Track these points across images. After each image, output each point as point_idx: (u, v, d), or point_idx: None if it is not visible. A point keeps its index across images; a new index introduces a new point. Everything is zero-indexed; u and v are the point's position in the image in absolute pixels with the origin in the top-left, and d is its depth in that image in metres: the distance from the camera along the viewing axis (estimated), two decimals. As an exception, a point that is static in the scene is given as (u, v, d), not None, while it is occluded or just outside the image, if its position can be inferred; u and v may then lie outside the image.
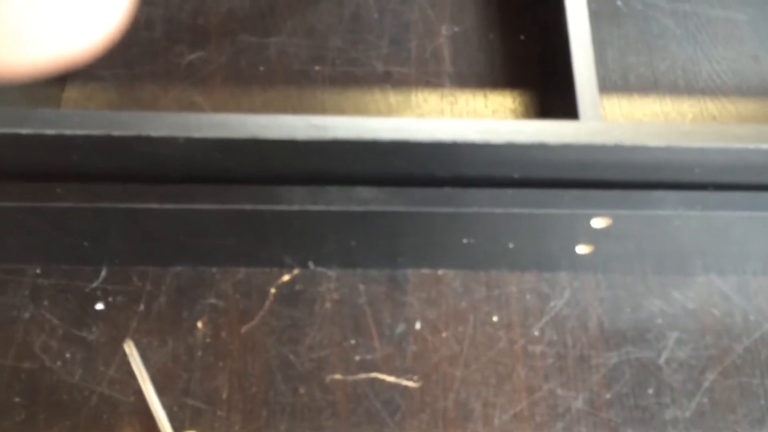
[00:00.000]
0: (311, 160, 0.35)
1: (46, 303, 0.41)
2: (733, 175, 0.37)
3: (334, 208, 0.36)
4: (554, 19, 0.45)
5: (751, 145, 0.34)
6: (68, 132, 0.33)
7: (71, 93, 0.49)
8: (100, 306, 0.41)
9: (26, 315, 0.41)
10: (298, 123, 0.33)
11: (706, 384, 0.41)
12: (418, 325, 0.42)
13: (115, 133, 0.33)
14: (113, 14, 0.22)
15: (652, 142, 0.34)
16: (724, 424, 0.39)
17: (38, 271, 0.42)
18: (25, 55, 0.20)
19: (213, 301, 0.42)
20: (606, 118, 0.49)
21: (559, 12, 0.44)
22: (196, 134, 0.33)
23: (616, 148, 0.34)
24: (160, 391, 0.39)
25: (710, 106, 0.50)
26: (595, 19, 0.52)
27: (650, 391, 0.40)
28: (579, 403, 0.40)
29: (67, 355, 0.40)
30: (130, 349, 0.39)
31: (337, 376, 0.40)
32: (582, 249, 0.41)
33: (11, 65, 0.20)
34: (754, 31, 0.53)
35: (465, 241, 0.40)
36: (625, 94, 0.50)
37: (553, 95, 0.47)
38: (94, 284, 0.42)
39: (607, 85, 0.50)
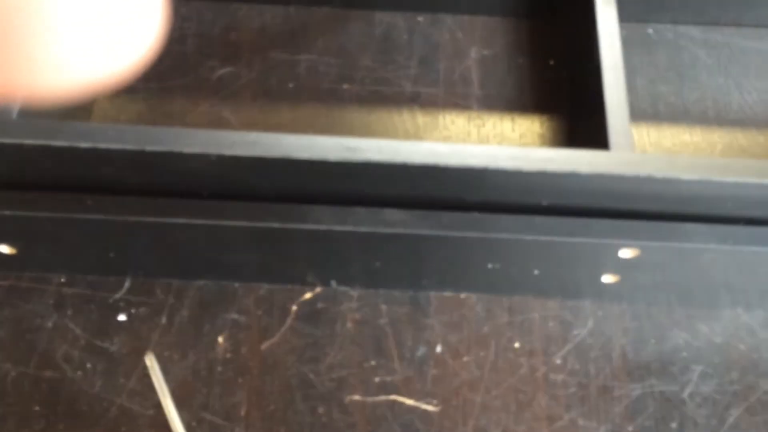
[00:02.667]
0: (341, 181, 0.35)
1: (69, 312, 0.41)
2: (767, 210, 0.36)
3: (361, 229, 0.36)
4: (586, 45, 0.45)
5: (785, 182, 0.34)
6: (101, 146, 0.33)
7: (102, 104, 0.49)
8: (122, 317, 0.42)
9: (50, 324, 0.41)
10: (331, 144, 0.34)
11: (731, 420, 0.40)
12: (439, 349, 0.42)
13: (148, 148, 0.33)
14: (147, 35, 0.22)
15: (686, 175, 0.34)
16: (750, 463, 0.39)
17: (63, 279, 0.42)
18: (57, 80, 0.20)
19: (235, 316, 0.42)
20: (634, 147, 0.48)
21: (591, 39, 0.44)
22: (228, 152, 0.33)
23: (649, 180, 0.34)
24: (179, 405, 0.39)
25: (740, 137, 0.49)
26: (625, 46, 0.52)
27: (673, 425, 0.40)
28: (601, 436, 0.39)
29: (88, 366, 0.40)
30: (151, 362, 0.39)
31: (357, 397, 0.40)
32: (608, 278, 0.41)
33: (41, 90, 0.20)
34: (786, 63, 0.53)
35: (490, 266, 0.40)
36: (654, 123, 0.50)
37: (582, 122, 0.47)
38: (118, 295, 0.42)
39: (636, 114, 0.50)
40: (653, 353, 0.42)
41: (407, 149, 0.34)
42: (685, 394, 0.41)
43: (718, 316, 0.43)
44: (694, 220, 0.37)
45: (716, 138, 0.49)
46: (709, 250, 0.37)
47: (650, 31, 0.54)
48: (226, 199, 0.37)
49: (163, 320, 0.42)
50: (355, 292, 0.43)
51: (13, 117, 0.38)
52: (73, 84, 0.20)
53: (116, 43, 0.20)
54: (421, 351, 0.42)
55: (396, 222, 0.36)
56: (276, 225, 0.37)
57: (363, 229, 0.36)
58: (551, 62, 0.52)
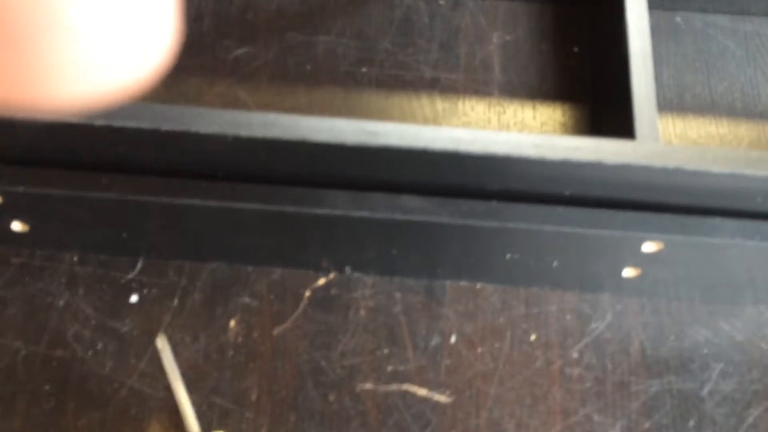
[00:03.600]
0: (359, 165, 0.35)
1: (81, 292, 0.41)
2: (796, 207, 0.35)
3: (377, 215, 0.36)
4: (614, 33, 0.44)
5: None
6: (117, 124, 0.33)
7: (118, 81, 0.48)
8: (134, 298, 0.41)
9: (61, 303, 0.41)
10: (349, 127, 0.33)
11: (750, 420, 0.39)
12: (453, 339, 0.41)
13: (164, 127, 0.32)
14: (163, 42, 0.21)
15: (716, 167, 0.33)
16: (769, 464, 0.38)
17: (75, 258, 0.42)
18: (77, 88, 0.19)
19: (247, 300, 0.42)
20: (660, 138, 0.47)
21: (619, 26, 0.42)
22: (245, 133, 0.33)
23: (677, 172, 0.33)
24: (190, 389, 0.38)
25: (768, 130, 0.48)
26: (652, 34, 0.51)
27: (691, 423, 0.39)
28: (616, 431, 0.39)
29: (99, 346, 0.40)
30: (163, 344, 0.39)
31: (368, 386, 0.40)
32: (629, 272, 0.40)
33: (59, 99, 0.19)
34: (818, 55, 0.51)
35: (508, 256, 0.39)
36: (680, 113, 0.48)
37: (606, 111, 0.46)
38: (130, 275, 0.42)
39: (662, 104, 0.49)
40: (672, 349, 0.41)
41: (428, 134, 0.33)
42: (704, 392, 0.40)
43: (740, 313, 0.42)
44: (721, 215, 0.36)
45: (743, 131, 0.48)
46: (735, 246, 0.35)
47: (678, 19, 0.53)
48: (241, 180, 0.36)
49: (175, 302, 0.41)
50: (369, 279, 0.42)
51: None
52: (94, 92, 0.20)
53: (134, 51, 0.20)
54: (435, 340, 0.41)
55: (414, 209, 0.36)
56: (291, 209, 0.36)
57: (379, 215, 0.36)
58: (576, 49, 0.51)
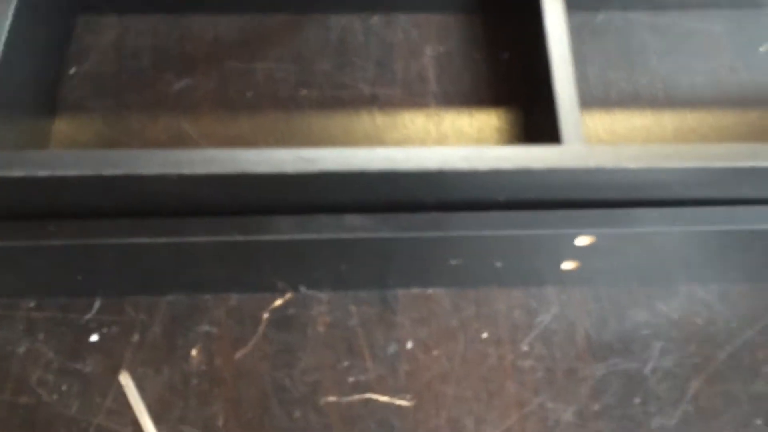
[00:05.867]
0: (301, 191, 0.36)
1: (41, 337, 0.42)
2: (710, 191, 0.38)
3: (324, 236, 0.37)
4: (536, 37, 0.46)
5: (726, 164, 0.35)
6: (59, 173, 0.33)
7: (60, 126, 0.49)
8: (94, 337, 0.42)
9: (21, 349, 0.41)
10: (287, 156, 0.34)
11: (691, 392, 0.42)
12: (409, 345, 0.43)
13: (107, 172, 0.33)
14: None
15: (632, 164, 0.35)
16: (709, 430, 0.41)
17: (32, 305, 0.43)
18: None
19: (207, 328, 0.43)
20: (588, 135, 0.50)
21: (539, 31, 0.45)
22: (187, 171, 0.34)
23: (598, 171, 0.35)
24: (157, 420, 0.40)
25: (690, 118, 0.51)
26: (576, 34, 0.54)
27: (637, 400, 0.41)
28: (568, 416, 0.41)
29: (64, 388, 0.40)
30: (126, 380, 0.40)
31: (332, 399, 0.41)
32: (568, 265, 0.42)
33: None
34: (731, 42, 0.54)
35: (453, 262, 0.41)
36: (606, 109, 0.51)
37: (535, 114, 0.48)
38: (88, 316, 0.43)
39: (589, 101, 0.51)
40: (615, 333, 0.43)
41: (362, 156, 0.35)
42: (647, 370, 0.42)
43: (674, 293, 0.45)
44: (644, 205, 0.38)
45: (667, 120, 0.51)
46: (660, 233, 0.38)
47: (600, 18, 0.55)
48: (188, 215, 0.37)
49: (136, 337, 0.42)
50: (324, 296, 0.44)
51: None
52: None
53: None
54: (392, 348, 0.43)
55: (357, 227, 0.37)
56: (240, 238, 0.37)
57: (325, 235, 0.37)
58: (505, 56, 0.53)
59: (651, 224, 0.38)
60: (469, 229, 0.38)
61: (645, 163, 0.35)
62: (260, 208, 0.37)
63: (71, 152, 0.34)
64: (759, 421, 0.41)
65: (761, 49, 0.54)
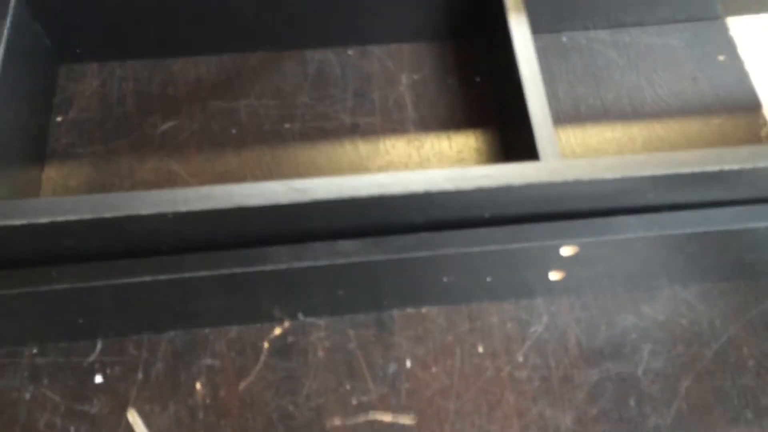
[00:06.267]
0: (294, 221, 0.37)
1: (45, 381, 0.42)
2: (683, 196, 0.40)
3: (319, 263, 0.38)
4: (505, 60, 0.48)
5: (696, 169, 0.37)
6: (59, 219, 0.34)
7: (50, 173, 0.50)
8: (99, 379, 0.42)
9: (27, 395, 0.42)
10: (280, 188, 0.36)
11: (682, 390, 0.43)
12: (408, 364, 0.44)
13: (106, 215, 0.35)
14: None
15: (609, 174, 0.37)
16: (703, 425, 0.42)
17: (35, 351, 0.43)
18: None
19: (209, 361, 0.43)
20: (562, 149, 0.52)
21: (509, 53, 0.47)
22: (183, 208, 0.35)
23: (576, 183, 0.37)
24: (167, 456, 0.40)
25: (657, 128, 0.53)
26: (543, 55, 0.56)
27: (632, 402, 0.43)
28: (567, 422, 0.42)
29: (72, 430, 0.41)
30: (134, 417, 0.40)
31: (337, 422, 0.42)
32: (554, 275, 0.44)
33: None
34: (690, 54, 0.57)
35: (445, 279, 0.42)
36: (578, 124, 0.53)
37: (512, 132, 0.50)
38: (91, 358, 0.43)
39: (561, 117, 0.54)
40: (605, 338, 0.45)
41: (351, 184, 0.36)
42: (639, 372, 0.44)
43: (658, 296, 0.46)
44: (623, 213, 0.40)
45: (636, 132, 0.53)
46: (639, 239, 0.40)
47: (564, 39, 0.58)
48: (186, 251, 0.38)
49: (140, 376, 0.43)
50: (322, 322, 0.45)
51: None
52: None
53: None
54: (392, 368, 0.44)
55: (350, 252, 0.39)
56: (237, 270, 0.38)
57: (320, 262, 0.38)
58: (477, 79, 0.56)
59: (630, 231, 0.40)
60: (458, 247, 0.39)
61: (620, 173, 0.37)
62: (256, 241, 0.39)
63: (69, 198, 0.35)
64: (749, 414, 0.43)
65: (719, 58, 0.56)
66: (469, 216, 0.39)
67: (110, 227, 0.36)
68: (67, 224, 0.35)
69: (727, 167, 0.37)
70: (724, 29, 0.58)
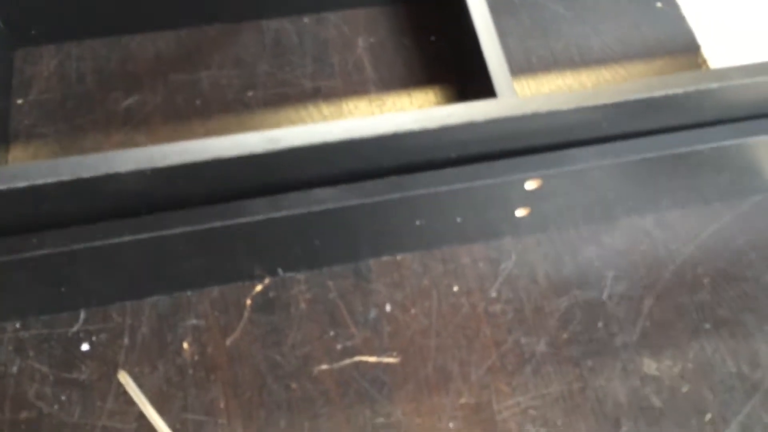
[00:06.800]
0: (269, 172, 0.39)
1: (31, 354, 0.42)
2: (634, 124, 0.43)
3: (295, 211, 0.40)
4: (459, 17, 0.50)
5: (643, 95, 0.40)
6: (40, 182, 0.35)
7: (16, 153, 0.50)
8: (85, 347, 0.43)
9: (14, 369, 0.42)
10: (254, 139, 0.37)
11: (645, 310, 0.46)
12: (388, 308, 0.46)
13: (85, 175, 0.35)
14: None
15: (564, 106, 0.39)
16: (667, 340, 0.45)
17: (18, 325, 0.43)
18: None
19: (194, 321, 0.44)
20: (518, 95, 0.54)
21: (463, 10, 0.49)
22: (161, 164, 0.36)
23: (535, 116, 0.39)
24: (160, 413, 0.41)
25: (605, 73, 0.56)
26: (494, 13, 0.58)
27: (600, 324, 0.46)
28: (542, 347, 0.45)
29: (63, 398, 0.41)
30: (125, 378, 0.41)
31: (324, 367, 0.43)
32: (521, 212, 0.46)
33: None
34: (629, 4, 0.60)
35: (417, 223, 0.44)
36: (531, 74, 0.56)
37: (470, 84, 0.52)
38: (75, 328, 0.44)
39: (514, 69, 0.56)
40: (571, 269, 0.48)
41: (322, 130, 0.37)
42: (604, 297, 0.47)
43: (617, 226, 0.49)
44: (579, 145, 0.43)
45: (585, 78, 0.56)
46: (595, 168, 0.42)
47: (512, -5, 0.60)
48: (165, 210, 0.39)
49: (126, 341, 0.43)
50: (301, 276, 0.46)
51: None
52: None
53: None
54: (373, 313, 0.45)
55: (324, 199, 0.40)
56: (216, 224, 0.39)
57: (296, 211, 0.40)
58: (432, 38, 0.57)
59: (586, 160, 0.42)
60: (426, 187, 0.41)
61: (574, 105, 0.39)
62: (233, 194, 0.40)
63: (46, 162, 0.35)
64: (708, 326, 0.46)
65: (657, 5, 0.60)
66: (437, 157, 0.41)
67: (89, 189, 0.36)
68: (45, 187, 0.36)
69: (670, 92, 0.40)
70: (660, -23, 0.61)
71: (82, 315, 0.44)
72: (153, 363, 0.43)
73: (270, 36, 0.57)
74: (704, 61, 0.57)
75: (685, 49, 0.57)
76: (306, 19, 0.58)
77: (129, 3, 0.54)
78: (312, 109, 0.54)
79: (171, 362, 0.43)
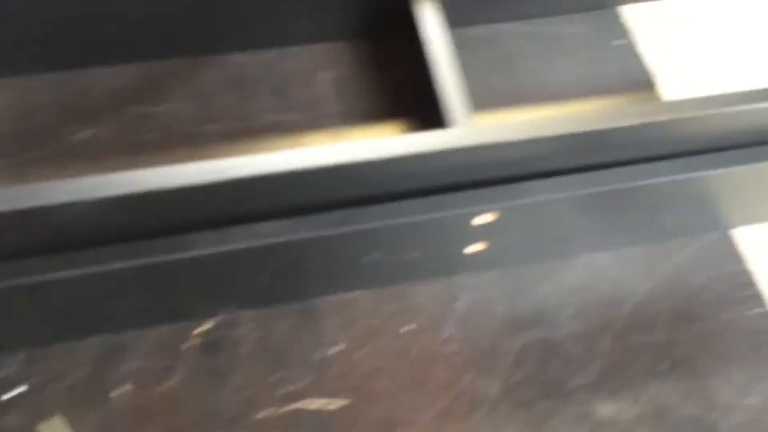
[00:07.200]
0: (213, 204, 0.38)
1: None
2: (588, 157, 0.42)
3: (242, 245, 0.39)
4: (419, 51, 0.50)
5: (594, 127, 0.39)
6: (-30, 212, 0.34)
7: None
8: (20, 389, 0.41)
9: (-59, 410, 0.40)
10: (194, 170, 0.36)
11: (602, 349, 0.45)
12: (338, 348, 0.44)
13: (24, 206, 0.34)
14: None
15: (515, 136, 0.39)
16: (623, 380, 0.44)
17: (-52, 364, 0.42)
18: None
19: (133, 364, 0.43)
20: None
21: (422, 45, 0.49)
22: (101, 194, 0.35)
23: (486, 147, 0.39)
24: (94, 458, 0.39)
25: (565, 108, 0.56)
26: (458, 48, 0.58)
27: (555, 365, 0.44)
28: (495, 389, 0.43)
29: (-10, 442, 0.39)
30: (59, 423, 0.39)
31: (267, 413, 0.42)
32: (475, 247, 0.45)
33: None
34: (588, 42, 0.60)
35: (369, 258, 0.43)
36: (493, 109, 0.56)
37: (429, 119, 0.52)
38: (11, 370, 0.42)
39: (478, 104, 0.55)
40: (528, 307, 0.47)
41: (263, 161, 0.37)
42: (561, 336, 0.45)
43: (574, 263, 0.48)
44: (533, 178, 0.42)
45: (546, 113, 0.56)
46: (550, 201, 0.42)
47: (474, 31, 0.61)
48: (106, 245, 0.38)
49: (63, 384, 0.42)
50: (248, 314, 0.45)
51: None
52: None
53: None
54: (321, 353, 0.44)
55: (271, 232, 0.39)
56: (161, 258, 0.38)
57: (243, 245, 0.39)
58: (394, 73, 0.57)
59: (540, 194, 0.41)
60: (377, 220, 0.40)
61: (526, 135, 0.39)
62: (176, 229, 0.39)
63: (-24, 193, 0.34)
64: (665, 366, 0.45)
65: (615, 43, 0.60)
66: (390, 190, 0.40)
67: (29, 220, 0.35)
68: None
69: (623, 123, 0.39)
70: (619, 17, 0.61)
71: (22, 355, 0.42)
72: (88, 407, 0.41)
73: (231, 70, 0.57)
74: (659, 98, 0.57)
75: (643, 85, 0.58)
76: (268, 54, 0.58)
77: (87, 37, 0.54)
78: (271, 143, 0.53)
79: (107, 407, 0.41)
